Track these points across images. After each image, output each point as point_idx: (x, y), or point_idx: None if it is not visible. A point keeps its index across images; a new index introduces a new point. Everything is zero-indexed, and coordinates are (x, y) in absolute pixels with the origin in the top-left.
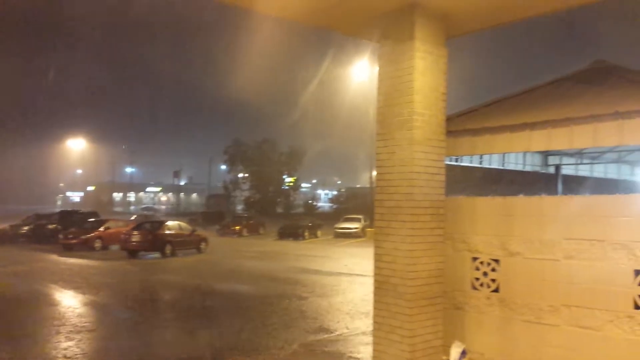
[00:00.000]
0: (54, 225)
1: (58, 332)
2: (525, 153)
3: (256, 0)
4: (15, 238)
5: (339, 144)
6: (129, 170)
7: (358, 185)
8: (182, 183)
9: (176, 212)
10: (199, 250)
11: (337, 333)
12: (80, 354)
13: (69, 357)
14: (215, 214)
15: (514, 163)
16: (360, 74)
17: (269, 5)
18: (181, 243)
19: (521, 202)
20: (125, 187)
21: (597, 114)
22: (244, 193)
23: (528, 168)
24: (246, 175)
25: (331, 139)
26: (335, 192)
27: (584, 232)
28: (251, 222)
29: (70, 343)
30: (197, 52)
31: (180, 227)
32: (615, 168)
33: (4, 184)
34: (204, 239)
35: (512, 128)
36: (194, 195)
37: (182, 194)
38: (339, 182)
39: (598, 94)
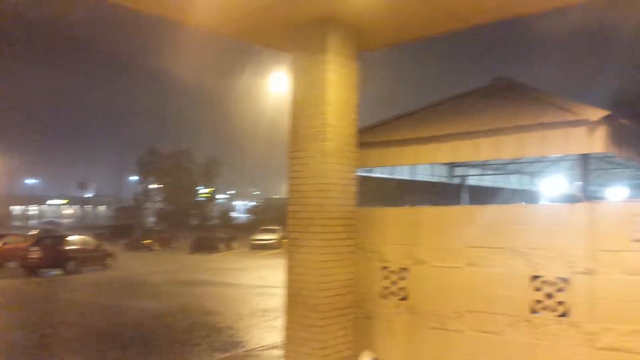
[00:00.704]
0: None
1: None
2: (433, 164)
3: (166, 8)
4: None
5: (258, 154)
6: (30, 181)
7: (276, 196)
8: (89, 195)
9: (82, 225)
10: (105, 266)
11: (248, 348)
12: None
13: None
14: (125, 227)
15: (422, 174)
16: (278, 84)
17: (180, 14)
18: (85, 259)
19: (427, 212)
20: (25, 200)
21: (499, 128)
22: (157, 205)
23: (436, 179)
24: (159, 186)
25: (250, 149)
26: (252, 203)
27: (485, 240)
28: (163, 235)
29: None
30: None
31: (84, 242)
32: (517, 179)
33: None
34: (111, 254)
35: (420, 141)
36: (102, 208)
37: (88, 207)
38: (257, 192)
39: (499, 109)
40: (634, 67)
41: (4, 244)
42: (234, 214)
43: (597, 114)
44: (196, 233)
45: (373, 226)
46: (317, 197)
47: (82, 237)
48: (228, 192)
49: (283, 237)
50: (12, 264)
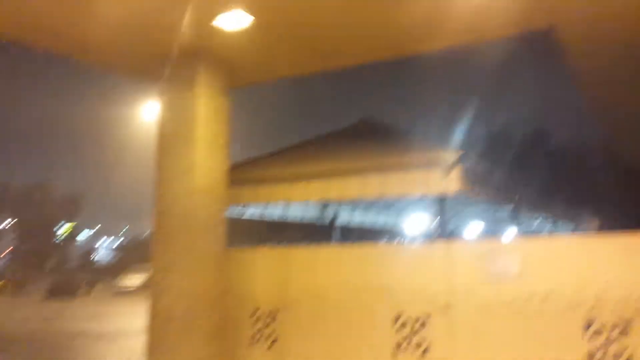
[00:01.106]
0: None
1: None
2: (306, 203)
3: (33, 37)
4: None
5: (126, 188)
6: None
7: (146, 233)
8: None
9: None
10: None
11: None
12: None
13: None
14: None
15: (296, 213)
16: (148, 114)
17: (47, 42)
18: None
19: (297, 252)
20: None
21: (365, 168)
22: (7, 244)
23: (307, 217)
24: (12, 224)
25: (118, 182)
26: (120, 240)
27: (353, 279)
28: (13, 278)
29: None
30: None
31: None
32: (385, 217)
33: None
34: None
35: (292, 179)
36: None
37: None
38: (126, 228)
39: (365, 149)
40: (489, 112)
41: None
42: (98, 253)
43: (453, 155)
44: (53, 276)
45: (245, 267)
46: (184, 237)
47: None
48: (93, 229)
49: (149, 279)
50: None
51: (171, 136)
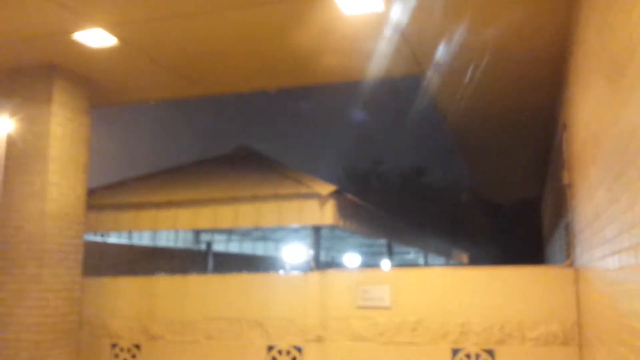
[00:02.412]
0: None
1: None
2: (177, 230)
3: None
4: None
5: None
6: None
7: None
8: None
9: None
10: None
11: None
12: None
13: None
14: None
15: (166, 240)
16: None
17: None
18: None
19: (164, 282)
20: None
21: (238, 197)
22: None
23: (180, 245)
24: None
25: None
26: None
27: (224, 310)
28: None
29: None
30: None
31: None
32: (263, 245)
33: None
34: None
35: (160, 205)
36: None
37: None
38: None
39: (240, 178)
40: (365, 149)
41: None
42: None
43: (327, 188)
44: None
45: (103, 298)
46: (33, 266)
47: None
48: None
49: None
50: None
51: (21, 155)
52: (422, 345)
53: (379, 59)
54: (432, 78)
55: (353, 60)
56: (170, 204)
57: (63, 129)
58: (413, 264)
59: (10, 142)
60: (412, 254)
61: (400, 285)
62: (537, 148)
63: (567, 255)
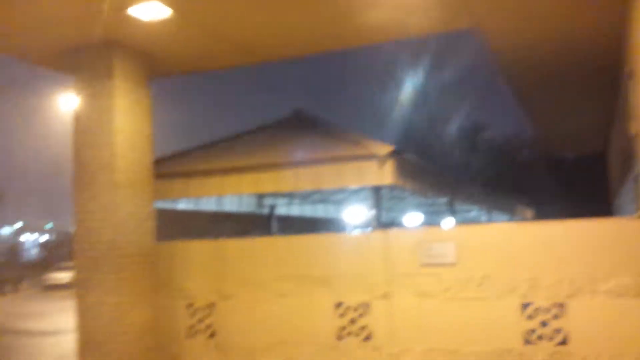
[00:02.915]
0: None
1: None
2: (241, 195)
3: None
4: None
5: (50, 182)
6: None
7: (72, 230)
8: None
9: None
10: None
11: None
12: None
13: None
14: None
15: (230, 205)
16: (66, 106)
17: None
18: None
19: (233, 245)
20: None
21: (298, 160)
22: None
23: (244, 209)
24: None
25: (40, 177)
26: (45, 237)
27: (292, 270)
28: None
29: None
30: None
31: None
32: (323, 208)
33: None
34: None
35: (224, 172)
36: None
37: None
38: (50, 225)
39: (298, 142)
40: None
41: None
42: (23, 250)
43: (386, 149)
44: None
45: (177, 262)
46: (108, 234)
47: None
48: (14, 226)
49: (74, 277)
50: None
51: (88, 129)
52: (489, 300)
53: (433, 13)
54: (489, 30)
55: (408, 16)
56: (233, 170)
57: (126, 102)
58: (476, 222)
59: (77, 118)
60: (474, 212)
61: (465, 242)
62: (601, 98)
63: (638, 207)
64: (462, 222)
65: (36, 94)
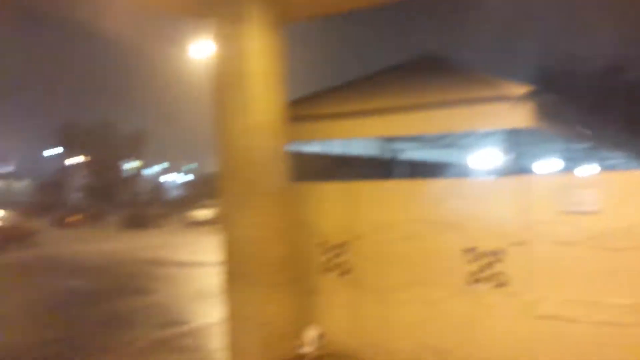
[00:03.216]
0: None
1: None
2: (367, 138)
3: None
4: None
5: (191, 125)
6: None
7: (211, 170)
8: (8, 169)
9: (2, 201)
10: (30, 245)
11: (189, 326)
12: None
13: None
14: (49, 203)
15: (357, 148)
16: (205, 52)
17: None
18: (8, 237)
19: (365, 187)
20: None
21: (428, 103)
22: (82, 180)
23: (370, 153)
24: (84, 160)
25: (181, 121)
26: (186, 177)
27: (422, 213)
28: (90, 211)
29: None
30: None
31: (6, 219)
32: (451, 152)
33: None
34: (34, 232)
35: (352, 115)
36: (23, 183)
37: (8, 182)
38: (191, 166)
39: (427, 84)
40: (561, 46)
41: None
42: (166, 189)
43: (520, 89)
44: (126, 209)
45: (311, 202)
46: (248, 173)
47: (3, 213)
48: (159, 166)
49: (219, 213)
50: None
51: (226, 73)
52: (635, 251)
53: None
54: None
55: None
56: (361, 113)
57: (260, 45)
58: (618, 169)
59: (215, 63)
60: (617, 159)
61: (609, 189)
62: None
63: None
64: (604, 168)
65: (172, 45)
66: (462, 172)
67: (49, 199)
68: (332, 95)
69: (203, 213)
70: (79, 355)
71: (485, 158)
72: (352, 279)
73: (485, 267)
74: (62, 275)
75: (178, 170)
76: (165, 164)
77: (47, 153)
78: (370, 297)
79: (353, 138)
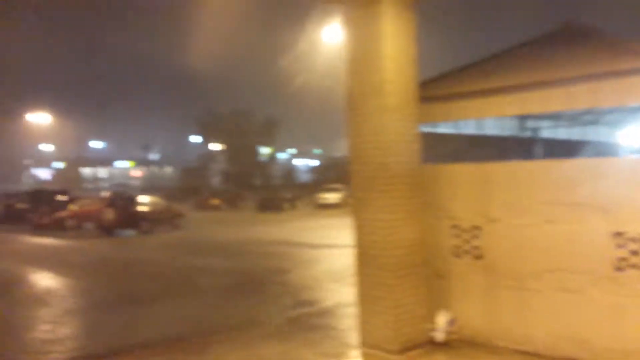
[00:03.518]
0: (24, 205)
1: (36, 315)
2: (502, 118)
3: None
4: None
5: (318, 111)
6: (96, 145)
7: (338, 154)
8: (154, 157)
9: (149, 187)
10: (176, 226)
11: (321, 306)
12: (62, 337)
13: (52, 341)
14: (191, 188)
15: (491, 128)
16: (334, 37)
17: None
18: (157, 219)
19: (499, 168)
20: (94, 162)
21: (571, 77)
22: (220, 166)
23: (505, 133)
24: (221, 147)
25: (309, 106)
26: (314, 162)
27: (563, 196)
28: (229, 195)
29: (51, 326)
30: (162, 23)
31: (155, 203)
32: (594, 130)
33: None
34: (180, 215)
35: (486, 93)
36: (168, 169)
37: (154, 168)
38: (319, 151)
39: (570, 56)
40: None
41: (80, 206)
42: (296, 173)
43: None
44: (260, 193)
45: (441, 184)
46: (379, 155)
47: (153, 198)
48: (289, 152)
49: (348, 196)
50: (89, 225)
51: (359, 56)
52: None
53: None
54: None
55: None
56: (497, 91)
57: (394, 26)
58: None
59: (348, 44)
60: None
61: None
62: None
63: None
64: None
65: (304, 28)
66: (606, 150)
67: (191, 184)
68: (464, 74)
69: (332, 196)
70: (219, 330)
71: (634, 135)
72: (486, 264)
73: (634, 252)
74: (206, 254)
75: (306, 156)
76: (294, 150)
77: (189, 141)
78: (505, 283)
79: (487, 117)
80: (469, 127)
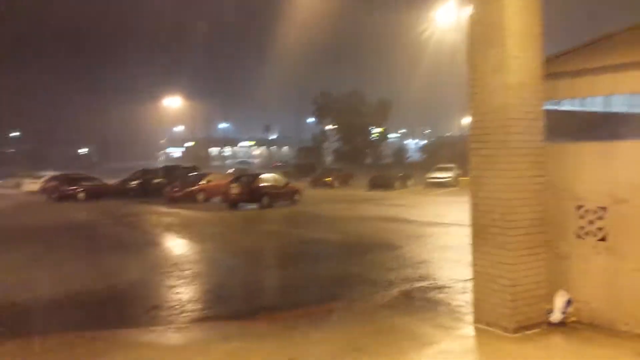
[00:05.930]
0: (159, 180)
1: (171, 277)
2: (632, 94)
3: None
4: (125, 192)
5: (427, 92)
6: (222, 125)
7: (448, 134)
8: (273, 136)
9: (269, 164)
10: (293, 202)
11: (435, 281)
12: (193, 298)
13: (185, 301)
14: (307, 166)
15: (619, 105)
16: (446, 16)
17: None
18: (277, 195)
19: (627, 147)
20: (221, 142)
21: None
22: (333, 145)
23: (635, 110)
24: (335, 127)
25: (419, 87)
26: (424, 142)
27: None
28: (341, 173)
29: (183, 288)
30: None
31: (275, 180)
32: None
33: (110, 143)
34: (298, 191)
35: (616, 68)
36: (285, 148)
37: (273, 147)
38: (428, 131)
39: None
40: None
41: (208, 181)
42: (406, 152)
43: None
44: (371, 171)
45: (565, 163)
46: (501, 133)
47: (273, 174)
48: (399, 131)
49: (459, 175)
50: (215, 199)
51: (481, 32)
52: None
53: None
54: None
55: None
56: (629, 65)
57: (518, 1)
58: None
59: (471, 21)
60: None
61: None
62: None
63: None
64: None
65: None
66: None
67: (307, 162)
68: (591, 49)
69: (442, 175)
70: (338, 299)
71: None
72: (610, 246)
73: None
74: (323, 228)
75: (415, 135)
76: (404, 129)
77: (305, 121)
78: (631, 266)
79: (615, 94)
80: (597, 104)
